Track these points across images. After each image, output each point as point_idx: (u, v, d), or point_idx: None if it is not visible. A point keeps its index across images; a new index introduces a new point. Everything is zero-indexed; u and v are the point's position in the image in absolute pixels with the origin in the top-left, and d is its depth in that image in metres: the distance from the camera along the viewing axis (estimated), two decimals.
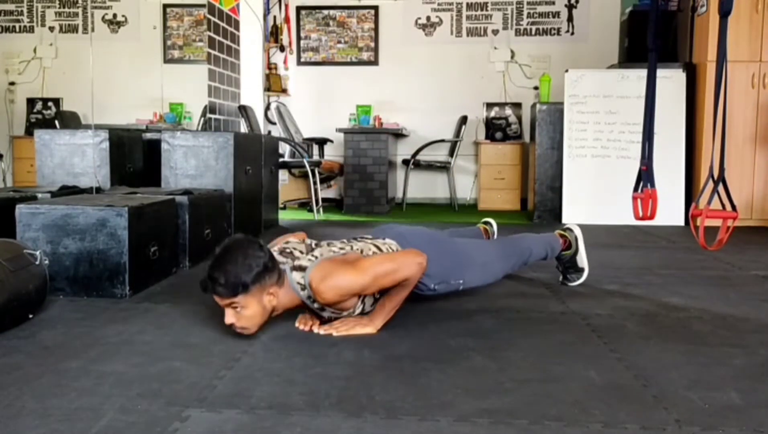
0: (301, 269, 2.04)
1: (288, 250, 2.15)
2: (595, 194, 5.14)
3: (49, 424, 1.45)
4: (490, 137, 6.66)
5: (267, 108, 6.71)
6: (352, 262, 2.06)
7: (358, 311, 2.16)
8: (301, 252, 2.15)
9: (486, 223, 3.13)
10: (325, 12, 7.00)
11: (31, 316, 2.27)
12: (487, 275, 2.54)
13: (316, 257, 2.07)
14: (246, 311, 1.97)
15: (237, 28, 5.93)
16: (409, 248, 2.23)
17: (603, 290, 2.82)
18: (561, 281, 2.89)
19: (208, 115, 5.36)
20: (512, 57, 6.83)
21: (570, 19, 6.79)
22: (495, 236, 3.07)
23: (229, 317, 1.98)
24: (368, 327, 2.13)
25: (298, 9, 7.00)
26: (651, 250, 3.95)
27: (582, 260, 2.85)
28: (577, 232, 2.86)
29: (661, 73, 3.99)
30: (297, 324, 2.20)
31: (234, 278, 1.91)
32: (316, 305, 2.08)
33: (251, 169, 4.09)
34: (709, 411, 1.56)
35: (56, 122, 6.43)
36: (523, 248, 2.70)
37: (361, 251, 2.18)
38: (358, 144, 6.02)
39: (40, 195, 3.14)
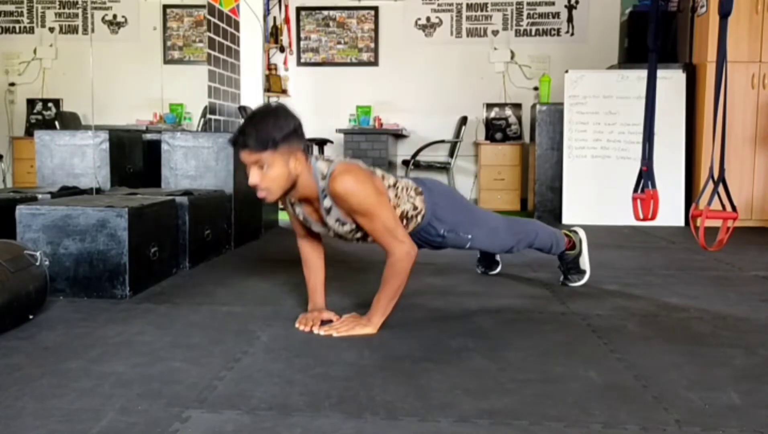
0: (329, 161, 2.12)
1: (315, 155, 2.20)
2: (595, 194, 5.14)
3: (49, 425, 1.45)
4: (490, 137, 6.66)
5: None
6: (377, 186, 2.14)
7: (358, 235, 2.20)
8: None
9: None
10: (325, 13, 7.00)
11: (31, 317, 2.27)
12: (494, 240, 2.58)
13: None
14: (271, 171, 1.99)
15: (237, 29, 5.93)
16: (425, 192, 2.33)
17: (603, 290, 2.82)
18: (562, 281, 2.89)
19: (208, 115, 5.36)
20: (512, 58, 6.83)
21: (570, 19, 6.79)
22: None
23: (254, 177, 2.01)
24: (368, 327, 2.14)
25: (298, 10, 7.00)
26: (651, 250, 3.95)
27: (584, 262, 2.86)
28: (582, 235, 2.87)
29: (661, 73, 3.98)
30: (297, 325, 2.21)
31: (264, 133, 1.96)
32: (325, 202, 2.11)
33: None
34: (710, 411, 1.56)
35: (56, 123, 6.43)
36: (529, 230, 2.71)
37: (383, 177, 2.24)
38: (358, 145, 6.02)
39: (40, 196, 3.14)
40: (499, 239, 2.59)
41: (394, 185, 2.26)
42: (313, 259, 2.36)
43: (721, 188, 3.12)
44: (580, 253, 2.85)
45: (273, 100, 6.75)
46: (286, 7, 6.94)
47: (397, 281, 2.14)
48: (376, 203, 2.09)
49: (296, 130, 2.02)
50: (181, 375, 1.76)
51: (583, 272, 2.86)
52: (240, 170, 3.87)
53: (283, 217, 5.19)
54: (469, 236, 2.44)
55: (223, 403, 1.58)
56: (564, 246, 2.81)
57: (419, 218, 2.33)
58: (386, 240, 2.12)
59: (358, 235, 2.20)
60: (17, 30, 7.08)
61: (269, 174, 2.00)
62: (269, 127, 1.97)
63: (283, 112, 2.04)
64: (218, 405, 1.57)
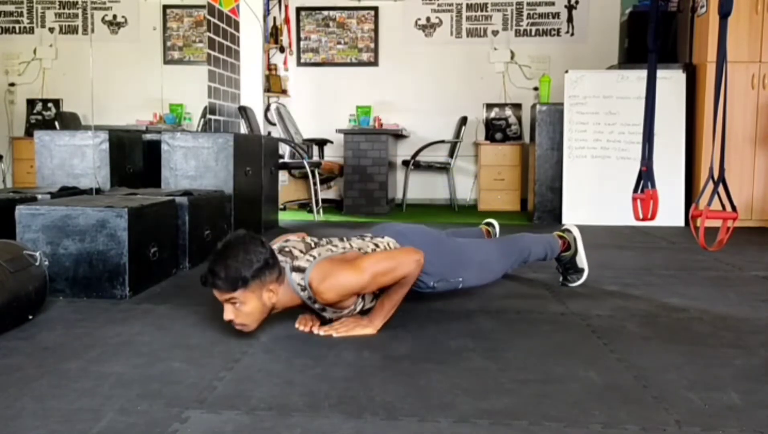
0: (300, 270, 2.02)
1: (287, 249, 2.12)
2: (595, 194, 5.14)
3: (48, 425, 1.45)
4: (489, 137, 6.66)
5: (267, 109, 6.71)
6: (351, 261, 2.05)
7: (358, 308, 2.15)
8: (301, 251, 2.11)
9: (488, 224, 3.12)
10: (325, 13, 7.00)
11: (30, 317, 2.27)
12: (486, 273, 2.54)
13: (315, 257, 2.05)
14: (245, 307, 1.95)
15: (237, 29, 5.94)
16: (408, 246, 2.23)
17: (603, 290, 2.82)
18: (561, 282, 2.89)
19: (208, 116, 5.36)
20: (512, 58, 6.83)
21: (570, 19, 6.79)
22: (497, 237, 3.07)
23: (228, 313, 1.96)
24: (368, 328, 2.13)
25: (298, 10, 7.00)
26: (651, 250, 3.95)
27: (582, 260, 2.85)
28: (576, 233, 2.85)
29: (661, 73, 3.98)
30: (297, 325, 2.20)
31: (234, 273, 1.90)
32: (317, 306, 2.08)
33: (251, 170, 4.09)
34: (709, 411, 1.56)
35: (56, 123, 6.43)
36: (522, 248, 2.69)
37: (359, 250, 2.17)
38: (358, 145, 6.02)
39: (39, 196, 3.14)
40: (492, 272, 2.56)
41: (376, 245, 2.22)
42: None
43: (721, 188, 3.11)
44: (576, 252, 2.84)
45: (273, 100, 6.75)
46: (286, 7, 6.94)
47: (405, 289, 2.14)
48: (360, 279, 2.01)
49: (267, 262, 1.95)
50: (180, 376, 1.76)
51: (582, 270, 2.85)
52: (240, 170, 3.88)
53: (283, 217, 5.20)
54: (460, 280, 2.40)
55: (222, 403, 1.58)
56: (558, 250, 2.81)
57: None
58: (395, 277, 2.07)
59: (359, 308, 2.16)
60: (17, 30, 7.08)
61: (243, 310, 1.95)
62: (238, 265, 1.90)
63: (252, 245, 1.96)
64: (218, 406, 1.57)
